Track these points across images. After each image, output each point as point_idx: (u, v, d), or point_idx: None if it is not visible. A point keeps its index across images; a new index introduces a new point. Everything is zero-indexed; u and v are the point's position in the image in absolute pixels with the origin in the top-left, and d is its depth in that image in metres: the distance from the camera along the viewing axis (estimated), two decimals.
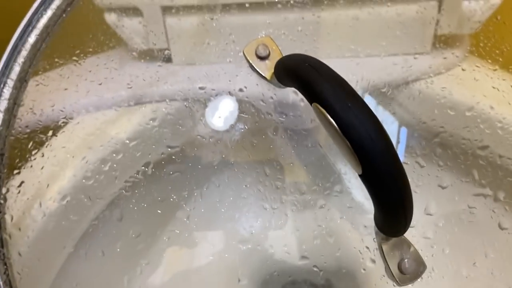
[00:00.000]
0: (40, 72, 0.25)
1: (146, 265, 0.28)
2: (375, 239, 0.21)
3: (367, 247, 0.27)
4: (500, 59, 0.27)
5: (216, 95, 0.27)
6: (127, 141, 0.26)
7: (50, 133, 0.25)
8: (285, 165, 0.28)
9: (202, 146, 0.27)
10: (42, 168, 0.25)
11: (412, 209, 0.17)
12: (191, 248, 0.29)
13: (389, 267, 0.20)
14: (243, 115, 0.27)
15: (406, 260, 0.20)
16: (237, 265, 0.29)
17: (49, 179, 0.25)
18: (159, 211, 0.28)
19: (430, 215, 0.27)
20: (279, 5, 0.27)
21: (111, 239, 0.27)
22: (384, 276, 0.23)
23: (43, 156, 0.25)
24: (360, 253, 0.27)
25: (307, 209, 0.29)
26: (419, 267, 0.21)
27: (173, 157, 0.27)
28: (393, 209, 0.17)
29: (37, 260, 0.24)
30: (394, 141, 0.27)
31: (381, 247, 0.20)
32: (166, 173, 0.27)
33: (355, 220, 0.28)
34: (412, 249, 0.21)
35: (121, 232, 0.27)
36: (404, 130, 0.28)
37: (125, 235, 0.27)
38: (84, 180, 0.25)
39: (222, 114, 0.27)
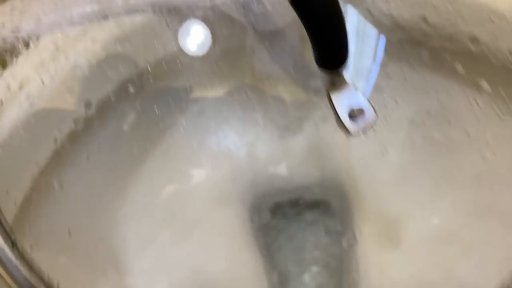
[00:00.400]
0: None
1: (134, 184, 0.27)
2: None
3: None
4: None
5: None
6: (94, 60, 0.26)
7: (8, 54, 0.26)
8: (265, 78, 0.28)
9: (178, 67, 0.27)
10: None
11: (345, 33, 0.17)
12: (179, 168, 0.29)
13: (338, 117, 0.20)
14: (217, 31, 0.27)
15: (356, 109, 0.20)
16: (229, 186, 0.29)
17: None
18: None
19: None
20: None
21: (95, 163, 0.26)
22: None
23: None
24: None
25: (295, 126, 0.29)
26: (371, 117, 0.20)
27: (148, 77, 0.27)
28: (324, 29, 0.17)
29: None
30: None
31: (329, 96, 0.20)
32: (141, 94, 0.27)
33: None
34: (362, 99, 0.20)
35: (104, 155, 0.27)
36: None
37: (113, 156, 0.27)
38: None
39: (195, 38, 0.27)
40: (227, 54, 0.27)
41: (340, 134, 0.30)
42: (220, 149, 0.29)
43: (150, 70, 0.26)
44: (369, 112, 0.20)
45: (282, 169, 0.29)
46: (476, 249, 0.25)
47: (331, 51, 0.18)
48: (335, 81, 0.20)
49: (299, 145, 0.29)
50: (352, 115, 0.20)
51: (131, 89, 0.26)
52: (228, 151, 0.30)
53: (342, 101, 0.20)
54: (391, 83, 0.27)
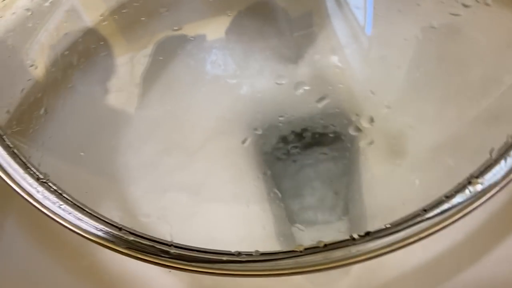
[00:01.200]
0: None
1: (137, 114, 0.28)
2: None
3: None
4: None
5: None
6: None
7: None
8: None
9: None
10: None
11: None
12: (181, 98, 0.29)
13: None
14: None
15: None
16: (231, 116, 0.29)
17: None
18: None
19: None
20: None
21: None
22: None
23: None
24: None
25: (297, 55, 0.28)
26: None
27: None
28: None
29: None
30: None
31: None
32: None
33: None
34: None
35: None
36: None
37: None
38: None
39: None
40: None
41: (342, 59, 0.29)
42: (221, 79, 0.30)
43: None
44: None
45: (284, 98, 0.29)
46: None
47: None
48: None
49: (301, 73, 0.29)
50: None
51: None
52: (229, 81, 0.30)
53: None
54: None
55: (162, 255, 0.14)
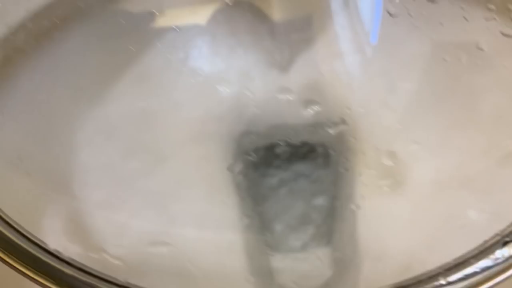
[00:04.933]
0: None
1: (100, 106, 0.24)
2: None
3: None
4: None
5: None
6: None
7: None
8: None
9: None
10: None
11: None
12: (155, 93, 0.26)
13: None
14: None
15: None
16: (211, 121, 0.26)
17: None
18: None
19: None
20: None
21: None
22: None
23: None
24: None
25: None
26: None
27: None
28: None
29: None
30: None
31: None
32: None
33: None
34: None
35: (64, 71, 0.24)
36: None
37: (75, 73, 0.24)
38: None
39: None
40: None
41: (340, 67, 0.27)
42: (202, 78, 0.26)
43: None
44: None
45: (272, 106, 0.26)
46: (489, 196, 0.21)
47: None
48: None
49: (291, 79, 0.26)
50: None
51: None
52: (212, 81, 0.27)
53: None
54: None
55: None
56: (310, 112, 0.25)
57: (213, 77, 0.26)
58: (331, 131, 0.25)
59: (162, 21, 0.25)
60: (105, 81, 0.23)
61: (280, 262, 0.21)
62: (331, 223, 0.23)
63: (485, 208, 0.18)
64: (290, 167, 0.25)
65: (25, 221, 0.13)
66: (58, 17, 0.23)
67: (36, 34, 0.21)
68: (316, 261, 0.22)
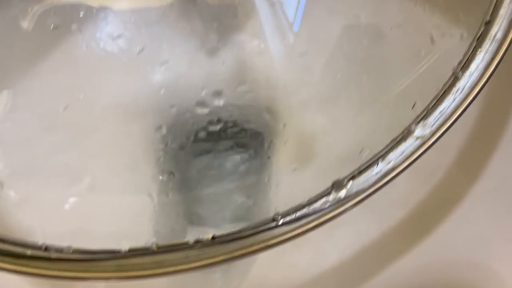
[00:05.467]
0: None
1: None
2: None
3: None
4: None
5: None
6: None
7: None
8: None
9: None
10: None
11: None
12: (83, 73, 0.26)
13: None
14: None
15: None
16: (139, 101, 0.26)
17: None
18: None
19: None
20: None
21: None
22: None
23: None
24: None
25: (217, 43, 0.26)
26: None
27: None
28: None
29: None
30: None
31: None
32: None
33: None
34: None
35: None
36: None
37: None
38: None
39: None
40: None
41: (263, 53, 0.27)
42: (129, 59, 0.27)
43: None
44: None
45: (200, 90, 0.27)
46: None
47: None
48: None
49: (220, 65, 0.27)
50: None
51: None
52: (139, 62, 0.27)
53: None
54: None
55: None
56: (236, 92, 0.26)
57: (140, 58, 0.26)
58: (255, 111, 0.26)
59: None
60: (29, 58, 0.24)
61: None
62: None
63: None
64: (212, 144, 0.26)
65: None
66: None
67: None
68: None
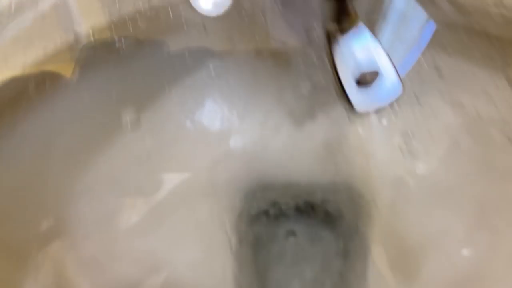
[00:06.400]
0: None
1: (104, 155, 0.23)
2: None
3: None
4: None
5: None
6: None
7: None
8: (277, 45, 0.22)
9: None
10: None
11: None
12: (164, 144, 0.24)
13: (340, 83, 0.14)
14: None
15: (368, 73, 0.14)
16: (220, 176, 0.23)
17: None
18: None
19: None
20: None
21: None
22: None
23: None
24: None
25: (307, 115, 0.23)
26: (393, 89, 0.14)
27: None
28: None
29: None
30: None
31: (330, 46, 0.14)
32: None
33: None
34: (382, 57, 0.14)
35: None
36: None
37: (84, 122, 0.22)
38: None
39: None
40: (242, 17, 0.21)
41: (362, 128, 0.23)
42: (215, 131, 0.24)
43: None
44: (389, 80, 0.13)
45: (285, 164, 0.23)
46: None
47: None
48: (340, 17, 0.13)
49: (309, 138, 0.23)
50: (363, 82, 0.13)
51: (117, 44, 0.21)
52: (225, 134, 0.24)
53: (349, 57, 0.13)
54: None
55: None
56: (325, 173, 0.22)
57: (224, 128, 0.24)
58: (345, 195, 0.21)
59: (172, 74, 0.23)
60: (107, 129, 0.22)
61: None
62: None
63: None
64: (298, 231, 0.22)
65: None
66: None
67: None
68: None
